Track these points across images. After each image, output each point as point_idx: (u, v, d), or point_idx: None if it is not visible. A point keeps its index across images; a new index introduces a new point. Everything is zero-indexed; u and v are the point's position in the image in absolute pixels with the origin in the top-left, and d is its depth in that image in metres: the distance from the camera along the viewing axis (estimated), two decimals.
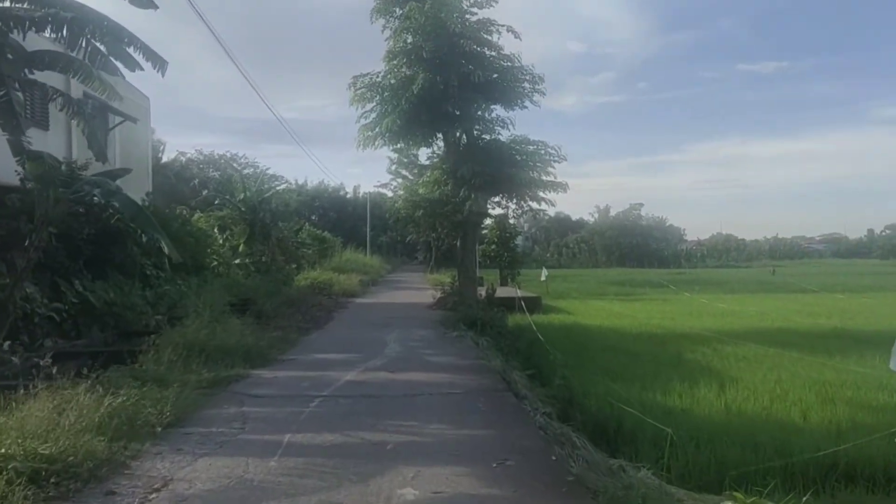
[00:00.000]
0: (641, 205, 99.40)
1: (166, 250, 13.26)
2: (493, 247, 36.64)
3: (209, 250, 22.54)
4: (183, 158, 51.77)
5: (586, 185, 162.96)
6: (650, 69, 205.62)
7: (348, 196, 78.32)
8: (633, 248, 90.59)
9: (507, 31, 20.03)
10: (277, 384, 9.75)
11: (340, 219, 70.03)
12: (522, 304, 21.33)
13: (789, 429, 8.34)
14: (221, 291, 17.59)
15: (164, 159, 45.18)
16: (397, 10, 20.43)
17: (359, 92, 20.24)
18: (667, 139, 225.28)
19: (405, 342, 14.35)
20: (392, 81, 20.09)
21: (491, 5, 20.09)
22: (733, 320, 21.18)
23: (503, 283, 34.05)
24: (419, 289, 32.06)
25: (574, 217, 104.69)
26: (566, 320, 21.31)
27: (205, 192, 33.40)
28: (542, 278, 34.21)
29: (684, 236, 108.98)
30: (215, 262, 22.32)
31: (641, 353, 14.42)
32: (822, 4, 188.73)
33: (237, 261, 25.42)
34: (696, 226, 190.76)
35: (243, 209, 28.46)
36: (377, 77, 20.36)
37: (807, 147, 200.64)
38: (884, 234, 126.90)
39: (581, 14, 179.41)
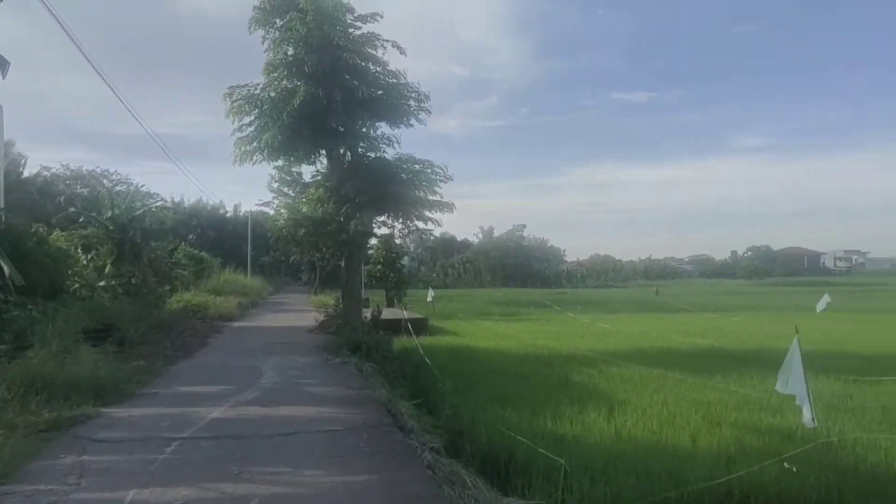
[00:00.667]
0: (524, 226, 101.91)
1: (7, 272, 11.70)
2: (379, 267, 35.96)
3: (70, 272, 20.54)
4: (47, 173, 47.91)
5: (471, 206, 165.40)
6: (532, 95, 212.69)
7: (228, 215, 75.49)
8: (517, 269, 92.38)
9: (393, 46, 19.55)
10: (130, 425, 8.57)
11: (220, 238, 67.21)
12: (409, 326, 20.74)
13: (681, 455, 8.12)
14: (80, 316, 15.89)
15: (26, 174, 41.58)
16: (277, 21, 19.51)
17: (236, 104, 19.10)
18: (548, 163, 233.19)
19: (283, 371, 13.35)
20: (272, 94, 19.11)
21: (375, 20, 19.56)
22: (616, 340, 21.47)
23: (389, 305, 33.40)
24: (302, 311, 30.84)
25: (459, 238, 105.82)
26: (453, 342, 20.89)
27: (70, 210, 30.77)
28: (429, 299, 33.84)
29: (565, 257, 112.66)
30: (77, 285, 20.35)
31: (529, 375, 14.13)
32: (689, 39, 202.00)
33: (102, 283, 23.37)
34: (576, 247, 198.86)
35: (111, 227, 26.33)
36: (256, 89, 19.32)
37: (676, 173, 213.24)
38: (746, 255, 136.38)
39: (465, 39, 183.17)
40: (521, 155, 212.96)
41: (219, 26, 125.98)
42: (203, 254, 44.21)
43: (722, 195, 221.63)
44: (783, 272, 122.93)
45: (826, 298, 34.26)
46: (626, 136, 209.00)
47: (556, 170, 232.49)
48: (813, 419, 7.06)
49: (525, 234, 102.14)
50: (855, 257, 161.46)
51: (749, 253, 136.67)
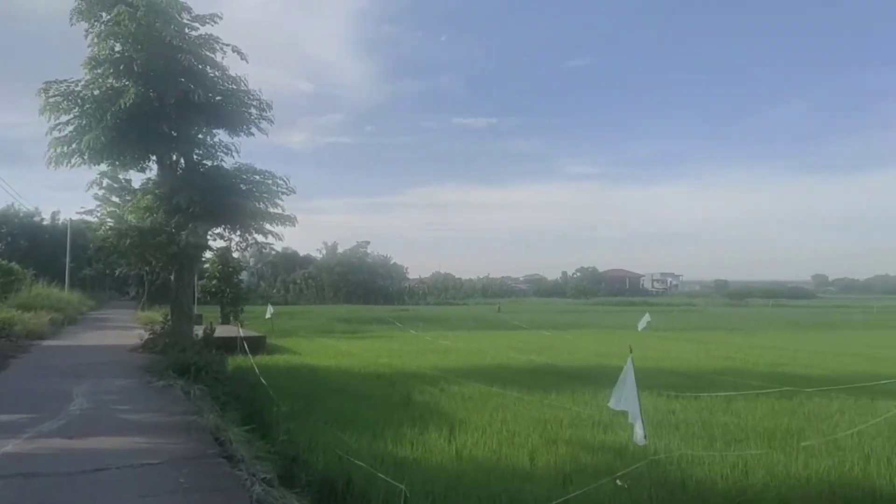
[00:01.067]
0: (368, 242, 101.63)
1: None
2: (215, 282, 34.20)
3: None
4: None
5: (315, 221, 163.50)
6: (377, 114, 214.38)
7: (45, 223, 68.98)
8: (360, 285, 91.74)
9: (233, 51, 18.64)
10: None
11: (34, 248, 61.27)
12: (245, 344, 19.68)
13: (520, 474, 8.11)
14: None
15: None
16: (104, 14, 17.95)
17: (52, 101, 17.29)
18: (392, 182, 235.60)
19: (97, 396, 12.06)
20: (95, 92, 17.51)
21: (214, 22, 18.55)
22: (457, 357, 21.63)
23: (225, 322, 31.77)
24: (127, 328, 28.55)
25: (302, 253, 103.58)
26: (293, 361, 20.10)
27: None
28: (268, 315, 32.56)
29: (407, 274, 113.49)
30: None
31: (371, 395, 13.79)
32: (526, 70, 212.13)
33: None
34: (418, 265, 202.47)
35: None
36: (77, 86, 17.62)
37: (513, 196, 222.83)
38: (575, 276, 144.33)
39: (311, 54, 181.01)
40: (366, 173, 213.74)
41: (42, 24, 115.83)
42: (13, 265, 39.90)
43: (554, 218, 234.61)
44: (608, 292, 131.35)
45: (647, 318, 36.81)
46: (467, 159, 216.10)
47: (400, 189, 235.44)
48: (645, 436, 7.29)
49: (369, 251, 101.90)
50: (670, 279, 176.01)
51: (578, 274, 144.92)
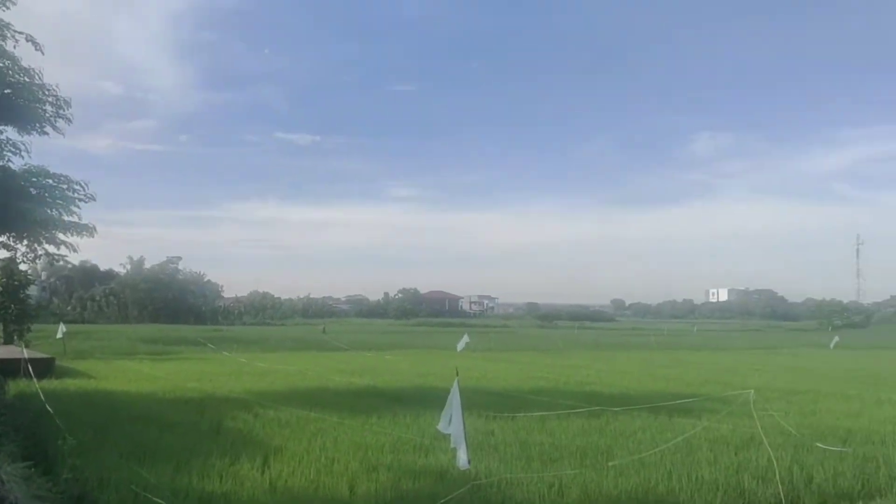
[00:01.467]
0: (179, 258, 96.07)
1: None
2: None
3: None
4: None
5: (119, 233, 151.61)
6: (193, 123, 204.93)
7: None
8: (169, 303, 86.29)
9: (27, 40, 16.64)
10: None
11: None
12: (29, 367, 17.52)
13: None
14: None
15: None
16: None
17: None
18: (208, 195, 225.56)
19: None
20: None
21: (6, 6, 16.48)
22: (274, 380, 20.71)
23: (8, 342, 28.35)
24: None
25: (103, 267, 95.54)
26: (86, 386, 18.26)
27: None
28: (59, 335, 29.46)
29: (222, 293, 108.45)
30: None
31: (177, 422, 12.72)
32: (353, 89, 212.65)
33: None
34: (235, 283, 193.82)
35: None
36: None
37: (336, 215, 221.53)
38: (397, 297, 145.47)
39: (120, 54, 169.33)
40: (180, 184, 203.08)
41: None
42: None
43: (377, 239, 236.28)
44: (428, 313, 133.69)
45: (465, 339, 37.69)
46: (290, 175, 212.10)
47: (217, 202, 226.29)
48: (468, 461, 7.18)
49: (181, 267, 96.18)
50: (486, 301, 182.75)
51: (400, 295, 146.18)
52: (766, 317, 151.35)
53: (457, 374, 7.26)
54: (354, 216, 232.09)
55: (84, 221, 17.77)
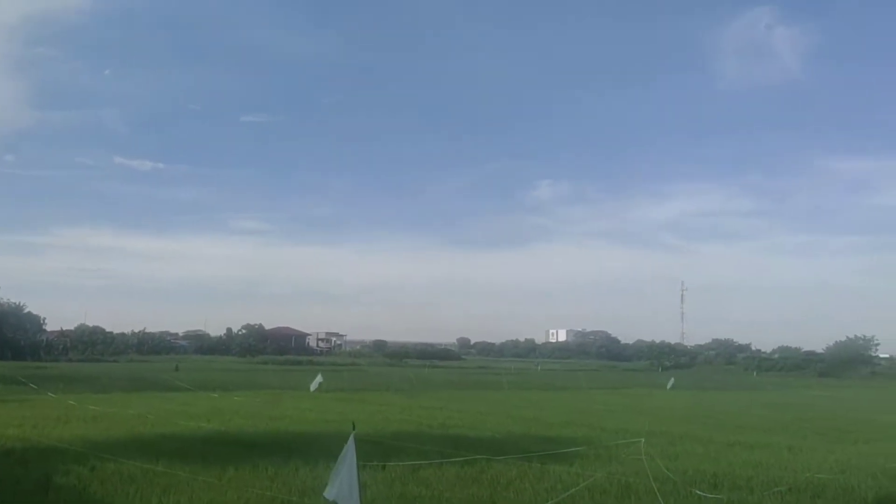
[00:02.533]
0: None
1: None
2: None
3: None
4: None
5: None
6: (21, 143, 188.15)
7: None
8: None
9: None
10: None
11: None
12: None
13: None
14: None
15: None
16: None
17: None
18: (34, 219, 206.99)
19: None
20: None
21: None
22: (110, 426, 18.66)
23: None
24: None
25: None
26: None
27: None
28: None
29: (44, 325, 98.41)
30: None
31: None
32: (199, 117, 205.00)
33: None
34: (60, 315, 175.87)
35: None
36: None
37: (176, 247, 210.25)
38: (241, 332, 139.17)
39: None
40: (2, 207, 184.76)
41: None
42: None
43: (220, 272, 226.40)
44: (274, 350, 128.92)
45: (319, 379, 36.41)
46: (128, 202, 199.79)
47: (43, 228, 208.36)
48: None
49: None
50: (334, 339, 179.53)
51: (244, 330, 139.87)
52: (601, 357, 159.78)
53: (353, 429, 6.50)
54: (196, 248, 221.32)
55: None
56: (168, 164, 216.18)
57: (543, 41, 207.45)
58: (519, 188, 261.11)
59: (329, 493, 6.34)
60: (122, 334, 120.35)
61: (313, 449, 14.83)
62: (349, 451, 6.19)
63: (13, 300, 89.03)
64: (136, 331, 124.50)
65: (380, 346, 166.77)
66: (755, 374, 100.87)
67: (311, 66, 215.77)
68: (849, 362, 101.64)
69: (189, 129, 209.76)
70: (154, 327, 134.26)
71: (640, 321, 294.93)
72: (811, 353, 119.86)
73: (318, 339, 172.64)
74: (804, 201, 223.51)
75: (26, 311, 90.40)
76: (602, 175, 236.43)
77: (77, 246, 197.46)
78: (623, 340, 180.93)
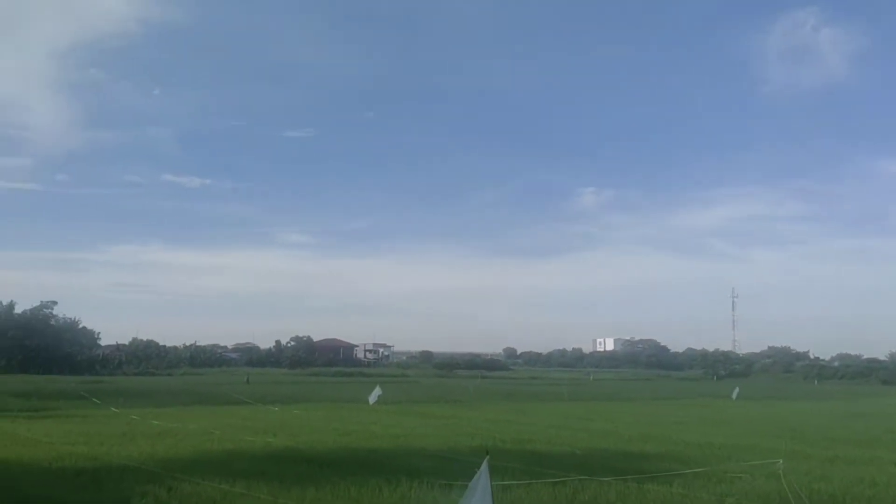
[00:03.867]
0: (55, 303, 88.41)
1: None
2: None
3: None
4: None
5: None
6: (73, 162, 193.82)
7: None
8: (41, 352, 78.93)
9: None
10: None
11: None
12: None
13: None
14: None
15: None
16: None
17: None
18: (85, 237, 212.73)
19: None
20: None
21: None
22: (176, 442, 18.23)
23: None
24: None
25: None
26: None
27: None
28: None
29: (99, 340, 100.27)
30: None
31: (72, 503, 10.41)
32: (245, 134, 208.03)
33: None
34: (114, 330, 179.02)
35: None
36: None
37: (225, 261, 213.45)
38: (289, 344, 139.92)
39: None
40: (56, 225, 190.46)
41: None
42: None
43: (268, 286, 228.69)
44: (323, 362, 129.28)
45: (378, 391, 35.69)
46: (176, 219, 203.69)
47: (95, 245, 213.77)
48: None
49: (55, 313, 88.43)
50: (382, 350, 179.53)
51: (292, 342, 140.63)
52: (650, 366, 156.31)
53: (486, 454, 5.66)
54: (243, 262, 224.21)
55: None
56: (214, 181, 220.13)
57: (585, 48, 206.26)
58: (562, 196, 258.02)
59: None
60: (175, 348, 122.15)
61: (389, 467, 14.13)
62: (482, 479, 5.39)
63: (69, 316, 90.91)
64: (188, 344, 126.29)
65: (426, 356, 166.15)
66: (816, 382, 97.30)
67: (353, 82, 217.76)
68: None
69: (234, 145, 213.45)
70: (204, 340, 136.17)
71: (689, 329, 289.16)
72: (873, 361, 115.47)
73: (365, 351, 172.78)
74: (855, 204, 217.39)
75: (81, 326, 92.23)
76: (647, 182, 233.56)
77: (126, 262, 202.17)
78: (672, 349, 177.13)
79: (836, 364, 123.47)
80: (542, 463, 14.80)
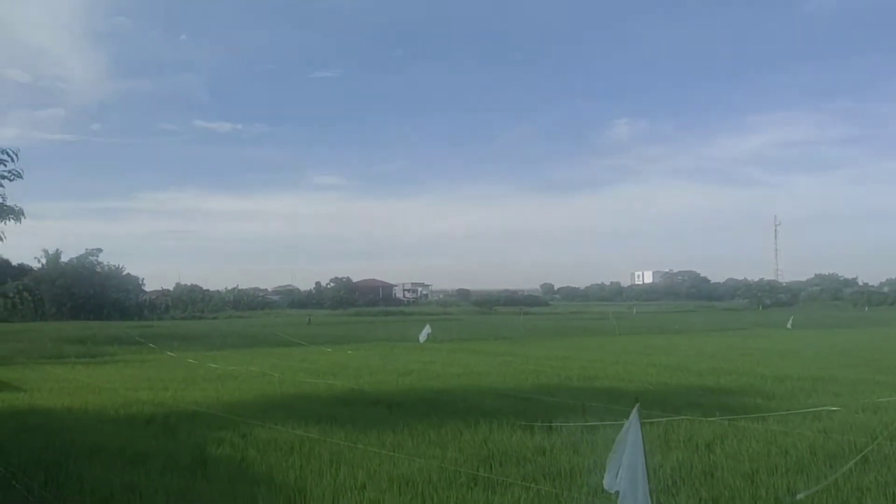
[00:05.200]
0: (100, 250, 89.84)
1: None
2: None
3: None
4: None
5: (31, 227, 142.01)
6: (106, 112, 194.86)
7: None
8: (90, 299, 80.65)
9: None
10: None
11: None
12: None
13: None
14: None
15: None
16: None
17: None
18: (124, 185, 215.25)
19: None
20: None
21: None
22: (238, 385, 18.02)
23: None
24: None
25: (15, 261, 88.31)
26: (18, 403, 15.17)
27: None
28: None
29: (143, 286, 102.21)
30: None
31: (147, 452, 10.02)
32: (272, 77, 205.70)
33: None
34: (156, 275, 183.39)
35: None
36: None
37: (259, 205, 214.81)
38: (329, 286, 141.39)
39: (25, 42, 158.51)
40: (93, 175, 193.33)
41: None
42: None
43: (304, 228, 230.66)
44: (363, 302, 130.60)
45: (427, 329, 35.41)
46: (210, 164, 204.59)
47: (132, 193, 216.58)
48: None
49: (100, 260, 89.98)
50: (420, 289, 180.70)
51: (332, 284, 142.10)
52: (691, 297, 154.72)
53: (636, 402, 4.91)
54: (277, 205, 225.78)
55: (8, 204, 14.77)
56: (246, 125, 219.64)
57: None
58: (595, 129, 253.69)
59: (608, 482, 4.82)
60: (218, 292, 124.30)
61: (461, 408, 13.61)
62: (632, 430, 4.64)
63: (113, 263, 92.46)
64: (230, 288, 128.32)
65: (463, 294, 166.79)
66: (866, 308, 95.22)
67: (380, 19, 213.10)
68: None
69: (264, 88, 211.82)
70: (245, 284, 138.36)
71: (729, 259, 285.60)
72: None
73: (404, 290, 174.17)
74: None
75: (125, 273, 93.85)
76: (681, 111, 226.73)
77: (163, 209, 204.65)
78: (713, 280, 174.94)
79: (885, 290, 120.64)
80: (620, 401, 14.10)
